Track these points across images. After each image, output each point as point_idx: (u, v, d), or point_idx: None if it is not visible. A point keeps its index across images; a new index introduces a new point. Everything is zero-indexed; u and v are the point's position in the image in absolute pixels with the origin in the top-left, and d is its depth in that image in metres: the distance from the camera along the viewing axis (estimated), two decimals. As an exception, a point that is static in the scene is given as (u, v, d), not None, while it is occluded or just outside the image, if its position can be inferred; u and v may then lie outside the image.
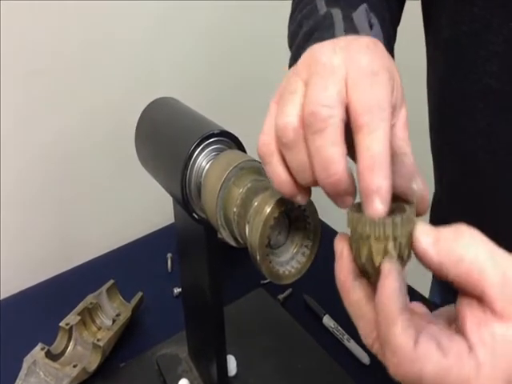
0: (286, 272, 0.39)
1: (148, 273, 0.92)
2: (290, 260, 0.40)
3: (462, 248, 0.27)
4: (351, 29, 0.44)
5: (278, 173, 0.33)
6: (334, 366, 0.71)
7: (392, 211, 0.30)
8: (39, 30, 0.81)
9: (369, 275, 0.30)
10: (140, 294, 0.81)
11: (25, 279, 0.90)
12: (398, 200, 0.31)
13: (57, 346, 0.72)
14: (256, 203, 0.39)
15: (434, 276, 0.80)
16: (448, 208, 0.67)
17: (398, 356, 0.27)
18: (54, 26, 0.82)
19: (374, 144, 0.29)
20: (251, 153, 0.45)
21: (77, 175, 0.94)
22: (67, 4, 0.81)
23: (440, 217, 0.71)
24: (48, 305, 0.85)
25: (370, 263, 0.29)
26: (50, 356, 0.70)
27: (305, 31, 0.48)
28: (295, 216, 0.40)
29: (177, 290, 0.86)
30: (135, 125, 0.59)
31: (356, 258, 0.30)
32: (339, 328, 0.77)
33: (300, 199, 0.34)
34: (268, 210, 0.37)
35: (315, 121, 0.30)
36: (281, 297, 0.85)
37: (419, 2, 0.61)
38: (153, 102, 0.59)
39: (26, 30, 0.80)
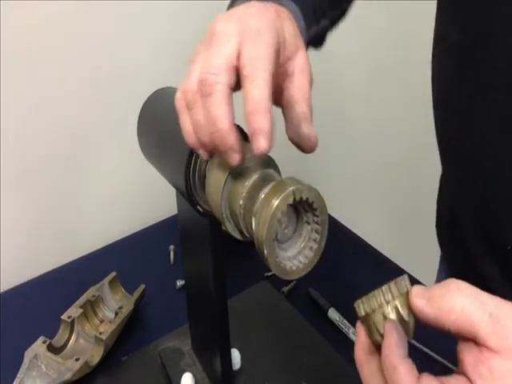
0: (294, 267, 0.38)
1: (150, 265, 0.91)
2: (298, 255, 0.39)
3: (450, 302, 0.30)
4: None
5: (184, 124, 0.39)
6: (339, 359, 0.70)
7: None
8: (39, 30, 0.79)
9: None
10: (142, 286, 0.80)
11: (26, 271, 0.90)
12: None
13: (58, 340, 0.72)
14: (263, 196, 0.37)
15: (440, 263, 0.80)
16: (450, 195, 0.67)
17: None
18: (54, 21, 0.80)
19: (255, 91, 0.34)
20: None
21: (78, 166, 0.93)
22: (67, 3, 0.80)
23: (446, 212, 0.70)
24: (49, 297, 0.84)
25: (379, 335, 0.33)
26: (52, 349, 0.69)
27: None
28: (303, 209, 0.39)
29: (180, 283, 0.85)
30: (137, 115, 0.58)
31: (369, 336, 0.34)
32: (344, 321, 0.76)
33: (202, 154, 0.39)
34: (276, 203, 0.36)
35: (204, 86, 0.35)
36: (285, 289, 0.84)
37: (432, 2, 0.59)
38: (155, 93, 0.58)
39: (26, 29, 0.78)
